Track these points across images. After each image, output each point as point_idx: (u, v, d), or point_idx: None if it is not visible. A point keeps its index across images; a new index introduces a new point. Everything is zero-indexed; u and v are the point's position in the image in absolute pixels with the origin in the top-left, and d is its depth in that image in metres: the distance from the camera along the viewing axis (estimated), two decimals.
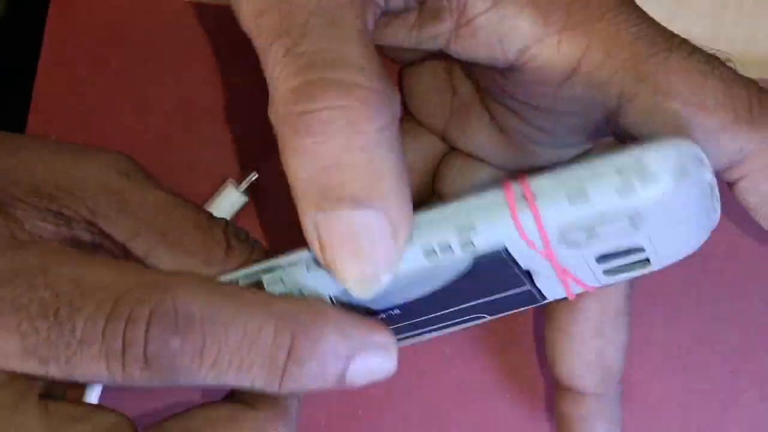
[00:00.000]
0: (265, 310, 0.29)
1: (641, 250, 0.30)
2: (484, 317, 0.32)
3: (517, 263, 0.30)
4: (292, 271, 0.31)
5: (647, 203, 0.28)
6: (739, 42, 0.42)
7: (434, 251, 0.30)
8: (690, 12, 0.42)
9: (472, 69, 0.36)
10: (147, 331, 0.28)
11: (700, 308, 0.41)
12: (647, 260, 0.30)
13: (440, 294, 0.31)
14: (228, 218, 0.40)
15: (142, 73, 0.43)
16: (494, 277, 0.31)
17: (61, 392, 0.31)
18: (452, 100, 0.38)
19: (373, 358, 0.30)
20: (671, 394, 0.41)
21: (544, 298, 0.32)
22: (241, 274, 0.32)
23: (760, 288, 0.41)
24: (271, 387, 0.29)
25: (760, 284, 0.41)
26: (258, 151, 0.42)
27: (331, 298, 0.31)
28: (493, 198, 0.29)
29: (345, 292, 0.30)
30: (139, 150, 0.43)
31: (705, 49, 0.32)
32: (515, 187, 0.29)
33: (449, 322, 0.33)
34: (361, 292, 0.29)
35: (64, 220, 0.31)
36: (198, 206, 0.33)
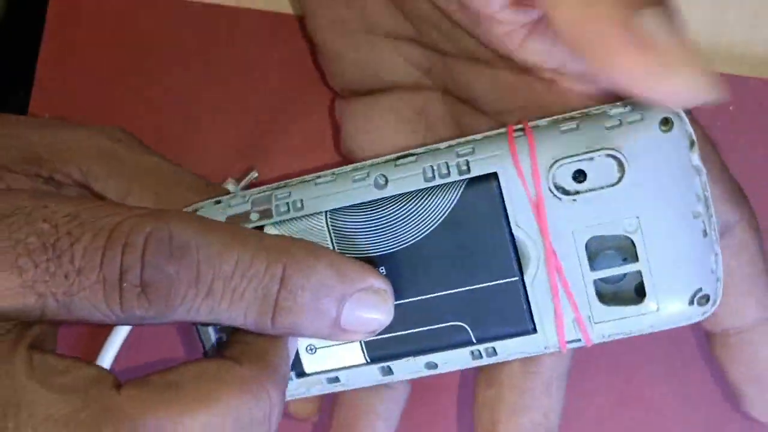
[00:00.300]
0: (258, 243, 0.29)
1: (635, 268, 0.31)
2: (464, 329, 0.33)
3: (506, 212, 0.31)
4: (304, 186, 0.33)
5: (632, 141, 0.30)
6: (739, 42, 0.42)
7: (433, 175, 0.31)
8: (690, 12, 0.42)
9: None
10: (143, 256, 0.28)
11: None
12: (641, 285, 0.31)
13: (424, 256, 0.32)
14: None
15: (141, 72, 0.43)
16: (480, 236, 0.32)
17: (51, 347, 0.31)
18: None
19: (368, 301, 0.30)
20: (671, 394, 0.41)
21: (532, 317, 0.32)
22: (254, 193, 0.33)
23: None
24: (264, 322, 0.29)
25: None
26: (258, 151, 0.42)
27: (330, 231, 0.32)
28: (495, 132, 0.32)
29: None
30: None
31: None
32: (516, 126, 0.31)
33: (429, 334, 0.33)
34: None
35: (54, 186, 0.31)
36: (194, 173, 0.33)
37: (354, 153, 0.37)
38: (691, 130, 0.31)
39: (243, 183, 0.41)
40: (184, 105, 0.43)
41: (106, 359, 0.32)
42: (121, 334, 0.33)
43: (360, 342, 0.33)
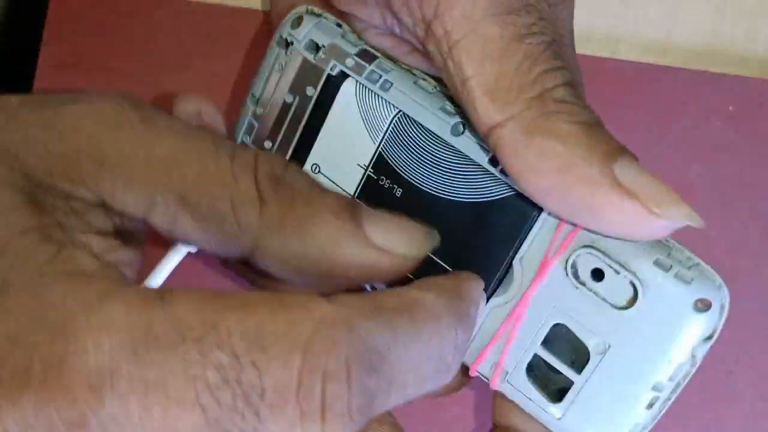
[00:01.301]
0: (429, 314, 0.27)
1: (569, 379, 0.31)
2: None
3: (521, 243, 0.31)
4: (404, 76, 0.33)
5: (662, 292, 0.29)
6: (739, 42, 0.42)
7: (497, 163, 0.31)
8: (690, 12, 0.42)
9: None
10: (349, 384, 0.24)
11: None
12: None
13: (436, 212, 0.32)
14: None
15: (141, 72, 0.43)
16: (491, 238, 0.32)
17: None
18: None
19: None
20: None
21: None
22: (364, 45, 0.33)
23: (759, 288, 0.41)
24: (443, 383, 0.28)
25: (760, 284, 0.41)
26: None
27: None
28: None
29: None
30: None
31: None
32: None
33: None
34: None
35: (73, 213, 0.28)
36: (216, 141, 0.29)
37: None
38: (719, 326, 0.29)
39: None
40: None
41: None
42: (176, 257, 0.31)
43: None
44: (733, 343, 0.41)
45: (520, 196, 0.31)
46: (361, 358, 0.25)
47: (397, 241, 0.30)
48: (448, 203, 0.32)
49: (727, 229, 0.41)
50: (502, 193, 0.31)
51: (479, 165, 0.31)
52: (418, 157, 0.32)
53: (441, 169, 0.32)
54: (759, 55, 0.42)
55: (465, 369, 0.34)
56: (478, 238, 0.32)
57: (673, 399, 0.30)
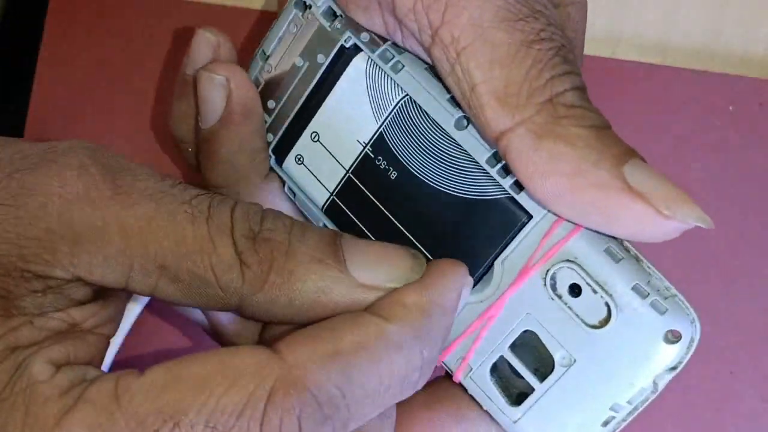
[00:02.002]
0: (390, 345, 0.28)
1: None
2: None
3: (506, 245, 0.31)
4: (414, 62, 0.33)
5: (635, 318, 0.30)
6: (739, 42, 0.42)
7: (497, 161, 0.31)
8: (690, 12, 0.42)
9: None
10: None
11: (699, 308, 0.41)
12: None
13: (427, 202, 0.32)
14: None
15: (141, 72, 0.43)
16: (478, 236, 0.32)
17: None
18: None
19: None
20: (671, 395, 0.41)
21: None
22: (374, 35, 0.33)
23: (759, 288, 0.41)
24: (409, 395, 0.29)
25: (760, 284, 0.41)
26: None
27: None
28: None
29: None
30: (138, 149, 0.43)
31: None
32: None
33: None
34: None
35: (58, 293, 0.28)
36: (192, 197, 0.29)
37: None
38: (685, 359, 0.30)
39: None
40: None
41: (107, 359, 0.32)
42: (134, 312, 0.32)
43: None
44: (734, 343, 0.41)
45: (512, 200, 0.31)
46: (313, 414, 0.26)
47: (383, 276, 0.30)
48: (441, 195, 0.32)
49: (726, 229, 0.41)
50: (495, 194, 0.31)
51: (477, 163, 0.32)
52: (419, 145, 0.33)
53: (439, 160, 0.32)
54: (759, 55, 0.42)
55: None
56: (464, 233, 0.32)
57: (628, 421, 0.31)
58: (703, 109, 0.41)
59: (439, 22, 0.30)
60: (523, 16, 0.30)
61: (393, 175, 0.33)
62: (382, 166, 0.33)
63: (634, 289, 0.30)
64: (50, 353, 0.27)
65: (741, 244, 0.41)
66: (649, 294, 0.29)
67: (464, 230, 0.32)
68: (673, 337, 0.29)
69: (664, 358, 0.29)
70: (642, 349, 0.29)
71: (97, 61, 0.43)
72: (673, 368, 0.30)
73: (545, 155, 0.29)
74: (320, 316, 0.29)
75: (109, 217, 0.28)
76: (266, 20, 0.43)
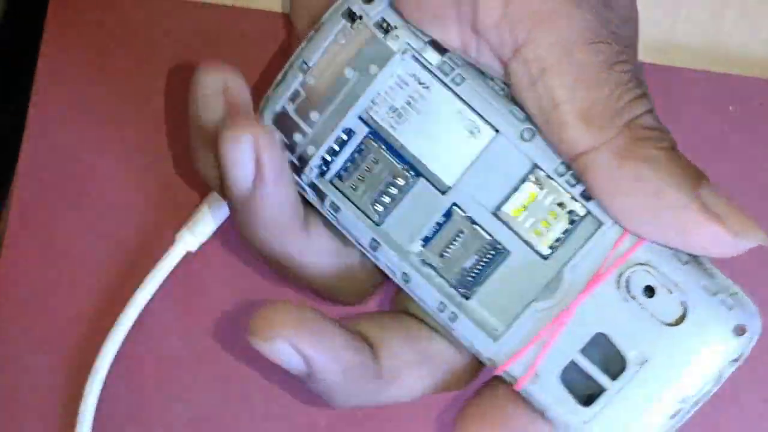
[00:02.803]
0: None
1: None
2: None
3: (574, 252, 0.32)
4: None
5: (708, 318, 0.32)
6: (739, 42, 0.42)
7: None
8: (690, 12, 0.42)
9: None
10: None
11: None
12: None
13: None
14: (227, 215, 0.40)
15: (141, 72, 0.43)
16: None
17: None
18: None
19: None
20: None
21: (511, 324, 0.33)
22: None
23: (759, 288, 0.41)
24: None
25: (760, 284, 0.41)
26: None
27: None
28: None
29: None
30: (138, 150, 0.43)
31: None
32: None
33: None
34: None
35: None
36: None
37: None
38: (747, 351, 0.32)
39: None
40: (185, 105, 0.43)
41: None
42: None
43: None
44: None
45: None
46: None
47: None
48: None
49: None
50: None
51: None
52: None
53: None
54: (759, 55, 0.42)
55: (475, 366, 0.35)
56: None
57: (692, 413, 0.32)
58: (703, 109, 0.41)
59: (525, 39, 0.31)
60: (603, 37, 0.31)
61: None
62: None
63: (704, 288, 0.31)
64: None
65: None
66: (717, 292, 0.31)
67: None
68: (740, 331, 0.31)
69: (731, 351, 0.31)
70: (712, 344, 0.31)
71: (98, 61, 0.43)
72: (736, 360, 0.31)
73: (628, 175, 0.30)
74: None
75: None
76: (267, 21, 0.43)
